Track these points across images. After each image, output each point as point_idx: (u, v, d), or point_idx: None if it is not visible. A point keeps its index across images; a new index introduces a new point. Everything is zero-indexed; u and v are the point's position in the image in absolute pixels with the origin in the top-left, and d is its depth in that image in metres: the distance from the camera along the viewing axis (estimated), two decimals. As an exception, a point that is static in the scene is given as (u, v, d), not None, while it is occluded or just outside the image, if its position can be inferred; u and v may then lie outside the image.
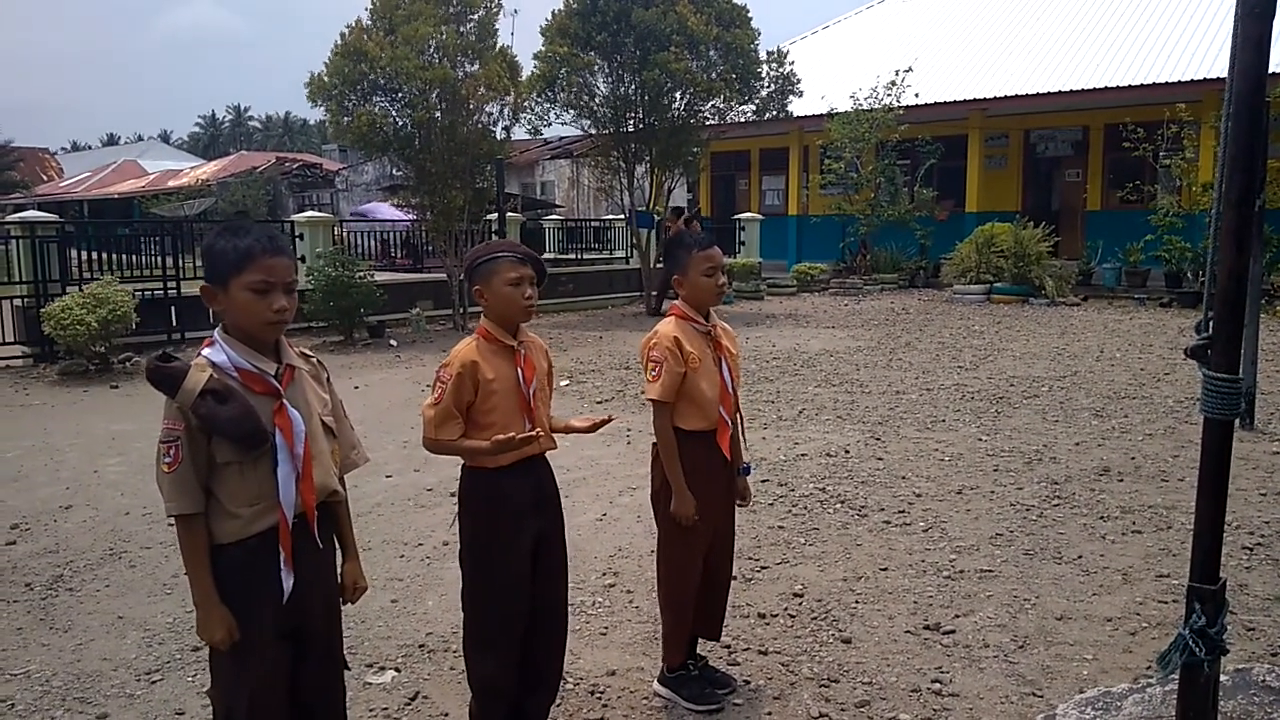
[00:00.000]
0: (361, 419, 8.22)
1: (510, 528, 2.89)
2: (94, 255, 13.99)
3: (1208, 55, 17.63)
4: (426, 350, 12.65)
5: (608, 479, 6.26)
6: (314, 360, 2.47)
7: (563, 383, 9.96)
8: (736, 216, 22.81)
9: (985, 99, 20.24)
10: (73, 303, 10.58)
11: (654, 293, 16.93)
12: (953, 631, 3.94)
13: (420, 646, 3.94)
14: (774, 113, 17.14)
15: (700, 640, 3.56)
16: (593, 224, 23.17)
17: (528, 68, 15.81)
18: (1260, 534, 5.00)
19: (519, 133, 16.61)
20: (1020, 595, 4.31)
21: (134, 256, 14.55)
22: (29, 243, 11.76)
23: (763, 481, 6.16)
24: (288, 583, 2.27)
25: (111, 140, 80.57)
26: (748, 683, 3.57)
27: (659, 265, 18.02)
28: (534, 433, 2.78)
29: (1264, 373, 9.09)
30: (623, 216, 19.08)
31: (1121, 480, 6.09)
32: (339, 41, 14.05)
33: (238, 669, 2.27)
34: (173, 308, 12.73)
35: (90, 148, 75.24)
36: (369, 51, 13.66)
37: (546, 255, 20.09)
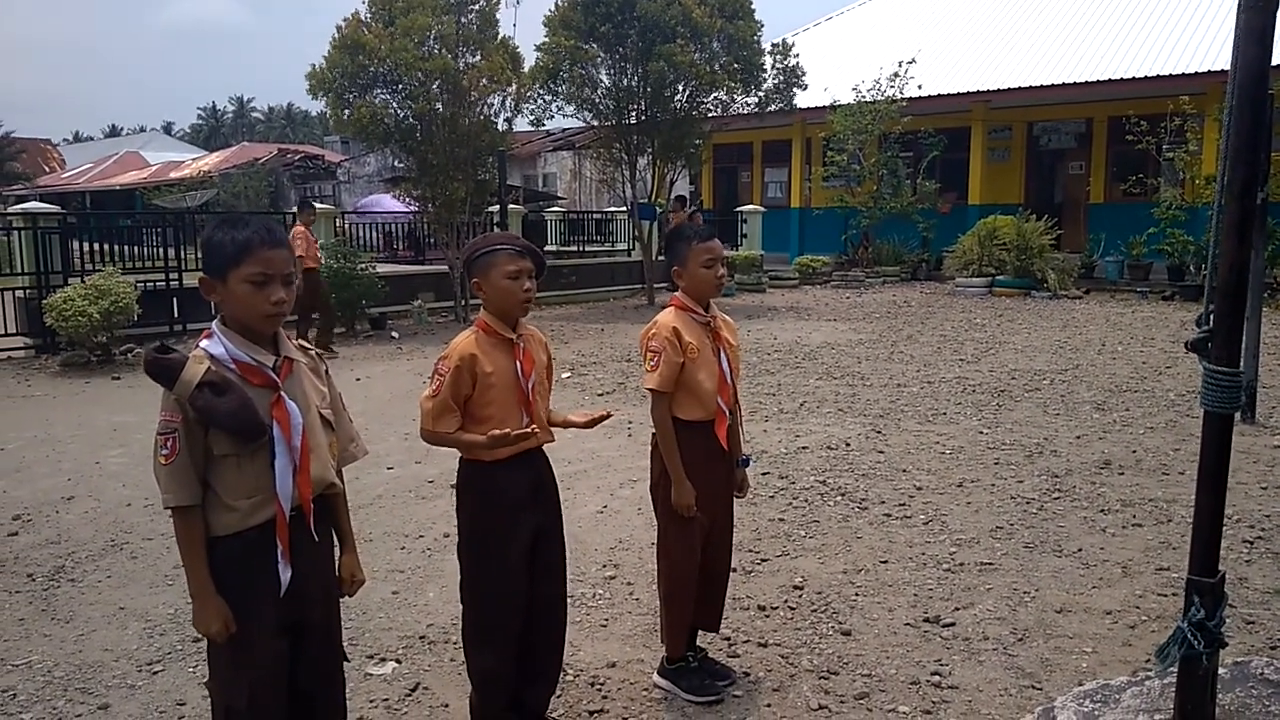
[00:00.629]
0: (363, 410, 8.22)
1: (508, 521, 2.89)
2: (96, 247, 13.99)
3: (1211, 48, 17.56)
4: (428, 342, 12.66)
5: (608, 471, 6.27)
6: (312, 353, 2.47)
7: (564, 375, 9.96)
8: (738, 209, 22.77)
9: (988, 91, 20.19)
10: (75, 294, 10.59)
11: (657, 285, 16.92)
12: (952, 624, 3.95)
13: (421, 638, 3.95)
14: (778, 105, 17.10)
15: (700, 632, 3.57)
16: (595, 216, 23.15)
17: (530, 59, 15.80)
18: (1261, 528, 5.00)
19: (521, 124, 16.60)
20: (1020, 588, 4.31)
21: (136, 248, 14.56)
22: (31, 234, 11.77)
23: (763, 474, 6.16)
24: (285, 575, 2.27)
25: (114, 132, 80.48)
26: (747, 674, 3.57)
27: (661, 258, 17.99)
28: (529, 430, 2.78)
29: (1265, 366, 9.08)
30: (625, 209, 19.06)
31: (1122, 473, 6.09)
32: (336, 34, 14.02)
33: (236, 662, 2.27)
34: (174, 299, 12.73)
35: (92, 139, 75.19)
36: (368, 44, 13.63)
37: (548, 247, 20.09)
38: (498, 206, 15.48)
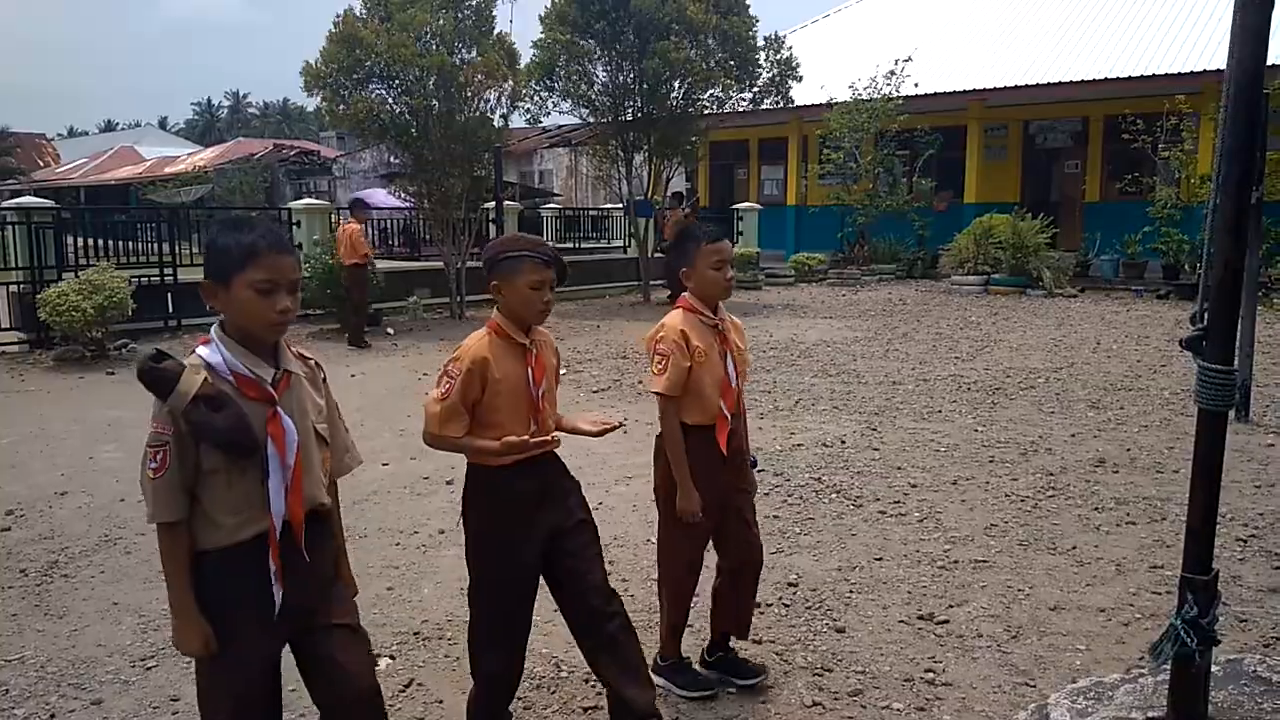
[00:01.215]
0: (358, 407, 8.22)
1: (516, 525, 2.84)
2: (90, 242, 13.96)
3: (1208, 47, 17.58)
4: (424, 338, 12.64)
5: (603, 468, 6.26)
6: (311, 362, 2.37)
7: (560, 371, 9.95)
8: (735, 206, 22.76)
9: (985, 89, 20.20)
10: (69, 289, 10.56)
11: (653, 282, 16.92)
12: (946, 621, 3.95)
13: (415, 634, 3.94)
14: (773, 100, 17.09)
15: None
16: (591, 213, 23.12)
17: (526, 55, 15.78)
18: (1254, 526, 5.02)
19: (517, 121, 16.58)
20: (1014, 585, 4.32)
21: (130, 243, 14.52)
22: (25, 229, 11.74)
23: (758, 471, 6.09)
24: (278, 595, 2.19)
25: (109, 126, 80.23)
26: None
27: (657, 254, 17.98)
28: (547, 438, 2.75)
29: (1260, 365, 9.08)
30: (620, 205, 19.04)
31: (1116, 472, 6.10)
32: (333, 29, 13.99)
33: (218, 682, 2.22)
34: (169, 294, 12.71)
35: (87, 134, 74.91)
36: (364, 38, 13.60)
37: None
38: (493, 203, 15.45)
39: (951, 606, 4.11)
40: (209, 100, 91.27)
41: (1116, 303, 16.00)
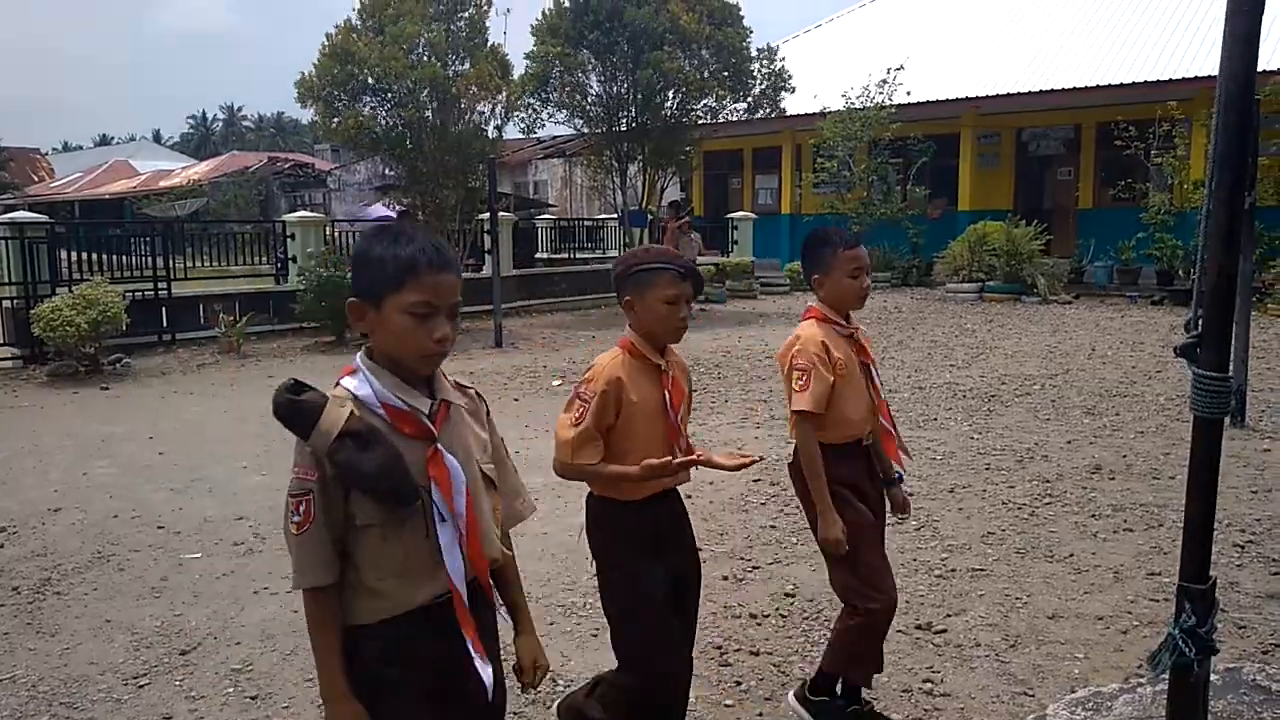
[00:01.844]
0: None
1: (644, 561, 2.65)
2: (84, 256, 13.93)
3: (1199, 53, 17.66)
4: (418, 350, 12.62)
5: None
6: (472, 392, 2.04)
7: (555, 382, 9.94)
8: (729, 215, 22.80)
9: (977, 97, 20.27)
10: (62, 304, 10.53)
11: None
12: (944, 630, 3.94)
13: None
14: (766, 111, 17.15)
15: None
16: (586, 223, 23.13)
17: (520, 66, 15.81)
18: (1252, 532, 5.01)
19: (511, 132, 16.61)
20: (1012, 594, 4.30)
21: (125, 257, 14.50)
22: (18, 243, 11.70)
23: (754, 481, 6.15)
24: (487, 674, 1.85)
25: (104, 140, 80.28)
26: (739, 683, 3.55)
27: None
28: (694, 458, 2.53)
29: (1255, 370, 9.08)
30: (615, 216, 19.06)
31: (1113, 478, 6.09)
32: (326, 42, 14.01)
33: None
34: (164, 309, 12.68)
35: (82, 148, 74.95)
36: (357, 52, 13.63)
37: (539, 255, 20.09)
38: (488, 214, 15.46)
39: (949, 616, 4.09)
40: (204, 113, 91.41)
41: (1111, 309, 16.03)
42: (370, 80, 13.93)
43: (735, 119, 17.53)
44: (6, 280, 11.87)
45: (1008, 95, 19.86)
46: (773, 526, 5.32)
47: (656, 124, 16.29)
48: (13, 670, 3.77)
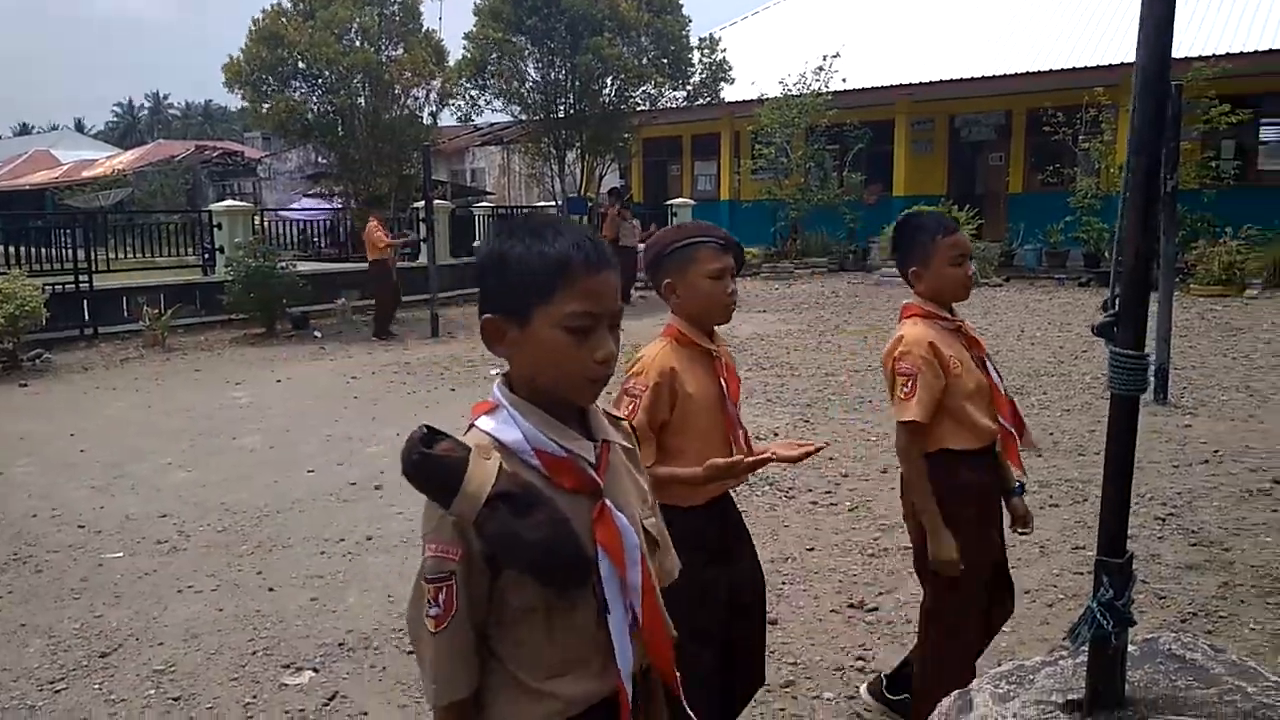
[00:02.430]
0: (283, 413, 8.02)
1: (714, 573, 2.41)
2: (2, 249, 13.41)
3: (1125, 40, 18.08)
4: (353, 340, 12.39)
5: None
6: (626, 426, 1.63)
7: (493, 371, 9.84)
8: (669, 202, 22.80)
9: (911, 84, 20.50)
10: (-23, 298, 10.12)
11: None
12: (876, 609, 3.98)
13: (340, 645, 3.84)
14: (705, 99, 17.17)
15: None
16: (524, 211, 22.95)
17: (456, 51, 15.61)
18: (1172, 505, 5.14)
19: (448, 119, 16.40)
20: (943, 572, 4.36)
21: (45, 249, 13.99)
22: (-72, 236, 11.22)
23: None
24: None
25: (24, 130, 77.30)
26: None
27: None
28: (766, 456, 2.25)
29: (1177, 349, 9.34)
30: (554, 203, 18.93)
31: (1040, 455, 6.21)
32: (254, 26, 13.66)
33: None
34: (86, 302, 12.27)
35: (1, 138, 72.25)
36: (286, 36, 13.32)
37: (477, 243, 19.88)
38: (423, 202, 15.26)
39: (881, 594, 4.13)
40: (130, 101, 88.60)
41: (1040, 291, 16.37)
42: (301, 65, 13.62)
43: (674, 106, 17.51)
44: (-84, 274, 11.38)
45: (940, 82, 20.12)
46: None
47: (595, 111, 16.21)
48: (-82, 679, 3.61)
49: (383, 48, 13.91)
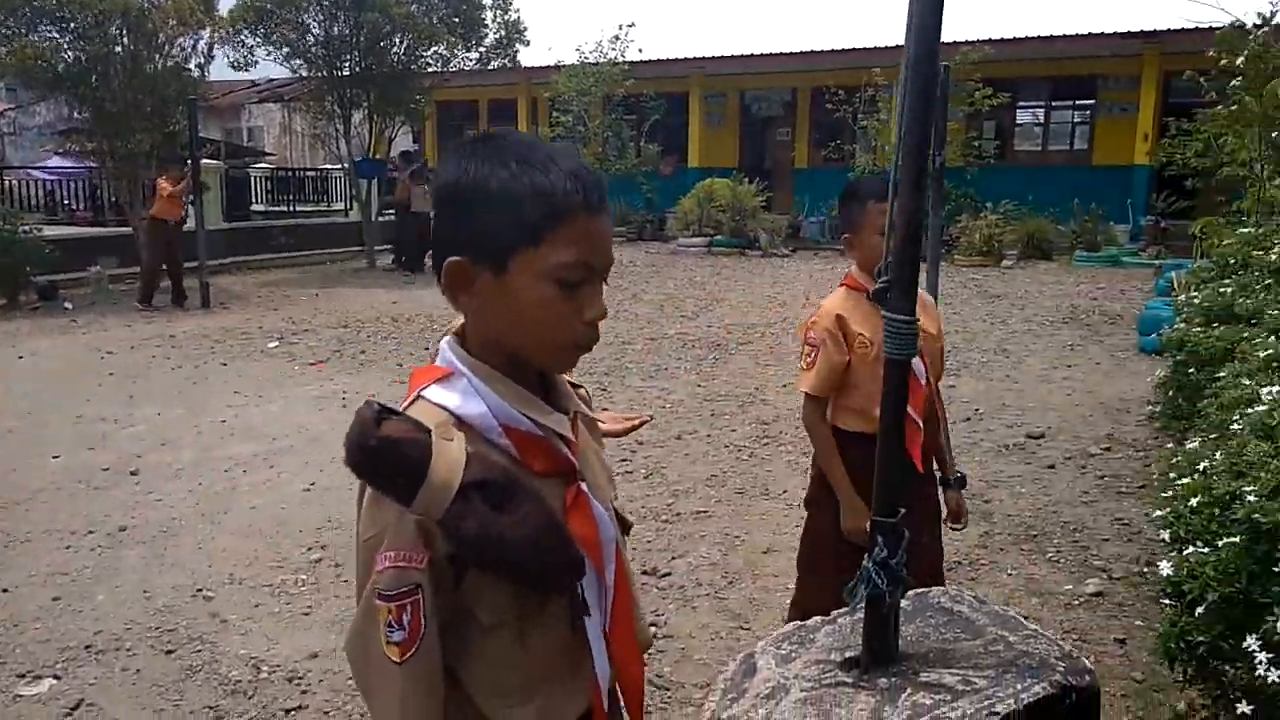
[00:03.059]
0: (25, 393, 7.19)
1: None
2: None
3: (900, 23, 19.15)
4: (109, 313, 11.25)
5: (317, 446, 5.82)
6: (584, 391, 1.41)
7: (270, 344, 9.23)
8: (464, 169, 22.24)
9: (704, 58, 20.90)
10: None
11: (378, 247, 16.18)
12: (669, 574, 3.99)
13: (86, 648, 3.44)
14: (501, 62, 16.75)
15: None
16: (309, 174, 21.72)
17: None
18: (940, 461, 5.48)
19: (222, 72, 15.15)
20: (731, 533, 4.44)
21: None
22: None
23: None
24: None
25: None
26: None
27: (382, 218, 17.23)
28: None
29: (943, 315, 10.03)
30: (340, 166, 17.99)
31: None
32: (-10, -43, 12.06)
33: None
34: None
35: None
36: (28, -30, 11.85)
37: (255, 207, 18.64)
38: (189, 161, 14.09)
39: (674, 559, 4.16)
40: None
41: (824, 261, 17.18)
42: (48, 7, 12.16)
43: (468, 69, 17.00)
44: None
45: (731, 57, 20.63)
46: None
47: (383, 70, 15.44)
48: None
49: (144, -10, 12.63)
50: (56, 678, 3.25)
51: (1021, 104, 19.83)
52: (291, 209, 19.44)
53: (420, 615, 1.09)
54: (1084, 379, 7.55)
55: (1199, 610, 1.70)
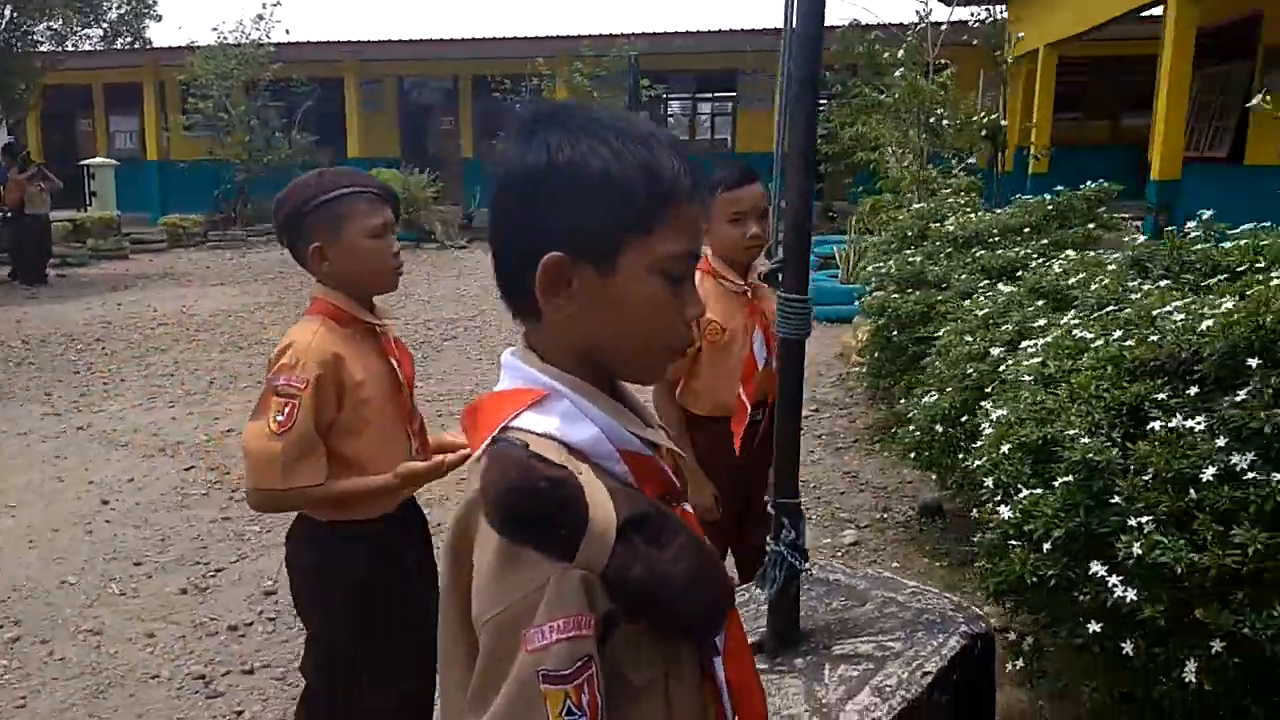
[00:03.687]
0: None
1: (402, 595, 2.03)
2: None
3: (560, 12, 19.47)
4: None
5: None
6: None
7: None
8: (84, 162, 19.47)
9: (359, 42, 19.96)
10: None
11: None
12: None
13: None
14: (127, 40, 14.83)
15: None
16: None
17: None
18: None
19: None
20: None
21: None
22: None
23: (187, 469, 5.31)
24: None
25: None
26: (240, 712, 2.93)
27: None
28: (468, 451, 1.83)
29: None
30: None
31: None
32: None
33: None
34: None
35: None
36: None
37: None
38: None
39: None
40: None
41: (503, 251, 17.13)
42: None
43: (87, 48, 14.85)
44: None
45: (387, 42, 19.87)
46: (225, 519, 4.59)
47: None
48: None
49: None
50: None
51: (673, 96, 21.02)
52: None
53: (596, 692, 0.88)
54: (779, 349, 8.14)
55: (1046, 546, 1.81)
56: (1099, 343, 2.16)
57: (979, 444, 2.28)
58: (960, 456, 2.85)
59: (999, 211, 5.66)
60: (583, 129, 0.95)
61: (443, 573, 0.98)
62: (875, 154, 9.62)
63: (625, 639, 0.92)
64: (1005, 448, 2.08)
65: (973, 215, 5.69)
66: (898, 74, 7.80)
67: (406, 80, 22.35)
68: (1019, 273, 3.99)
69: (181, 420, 6.33)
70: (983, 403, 2.55)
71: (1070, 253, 3.67)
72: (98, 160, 19.58)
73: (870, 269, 6.24)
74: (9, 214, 13.76)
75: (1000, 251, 4.58)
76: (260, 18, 18.53)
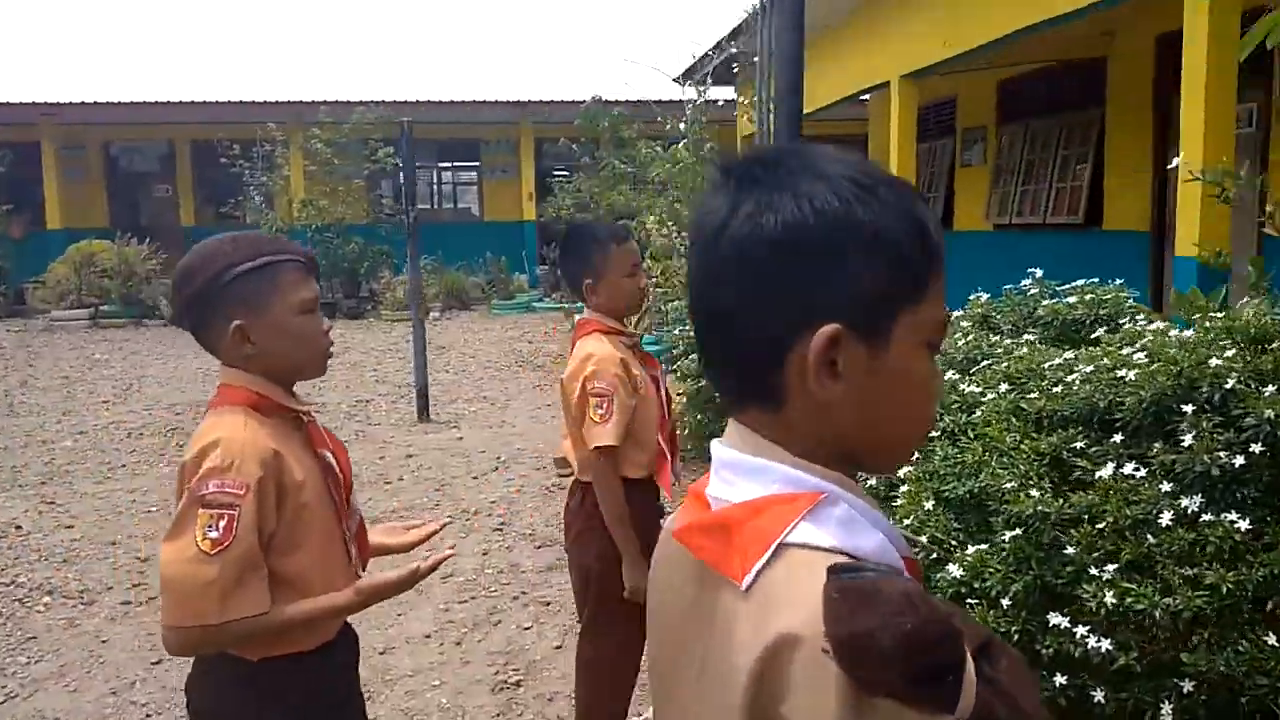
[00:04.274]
0: None
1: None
2: None
3: (295, 78, 18.65)
4: None
5: None
6: None
7: None
8: None
9: (55, 104, 18.03)
10: None
11: None
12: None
13: None
14: None
15: None
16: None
17: None
18: (499, 514, 5.43)
19: None
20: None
21: None
22: None
23: None
24: None
25: None
26: None
27: None
28: (444, 554, 1.74)
29: (401, 371, 9.91)
30: None
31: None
32: None
33: None
34: None
35: None
36: None
37: None
38: None
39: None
40: None
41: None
42: None
43: None
44: None
45: (88, 104, 18.07)
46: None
47: None
48: None
49: None
50: None
51: (418, 165, 20.67)
52: None
53: None
54: (567, 415, 8.10)
55: (1005, 602, 1.87)
56: (990, 396, 2.29)
57: (899, 502, 2.31)
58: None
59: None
60: (827, 176, 0.79)
61: None
62: (635, 223, 9.96)
63: None
64: (928, 504, 2.13)
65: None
66: (680, 144, 8.14)
67: (113, 145, 20.48)
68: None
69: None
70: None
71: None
72: None
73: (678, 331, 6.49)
74: None
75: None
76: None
